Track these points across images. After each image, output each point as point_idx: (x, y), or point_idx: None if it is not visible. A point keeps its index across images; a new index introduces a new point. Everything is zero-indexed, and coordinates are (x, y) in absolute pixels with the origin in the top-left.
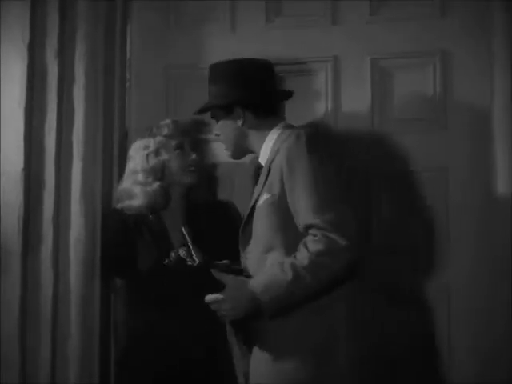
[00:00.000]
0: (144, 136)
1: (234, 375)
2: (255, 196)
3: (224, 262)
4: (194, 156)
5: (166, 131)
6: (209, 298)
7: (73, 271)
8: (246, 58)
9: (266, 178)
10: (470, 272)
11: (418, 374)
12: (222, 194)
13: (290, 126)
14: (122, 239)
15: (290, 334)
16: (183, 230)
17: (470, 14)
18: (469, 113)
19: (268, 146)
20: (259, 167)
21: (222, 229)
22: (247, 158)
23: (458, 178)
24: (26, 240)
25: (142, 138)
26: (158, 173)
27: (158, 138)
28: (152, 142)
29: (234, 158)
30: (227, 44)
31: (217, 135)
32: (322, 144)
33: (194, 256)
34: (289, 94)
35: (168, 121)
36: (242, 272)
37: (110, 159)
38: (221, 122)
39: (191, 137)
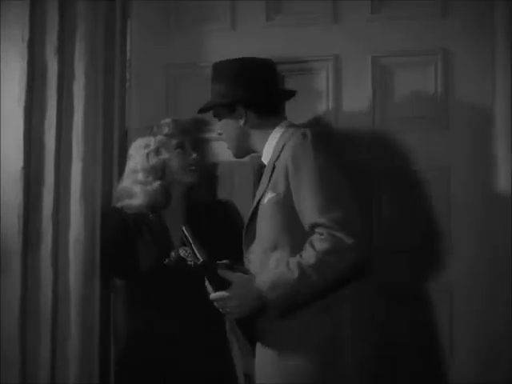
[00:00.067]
0: (144, 135)
1: (234, 375)
2: (259, 195)
3: (224, 261)
4: (194, 155)
5: (166, 130)
6: (214, 295)
7: (72, 271)
8: (248, 57)
9: (270, 177)
10: (471, 272)
11: (418, 373)
12: (222, 194)
13: (292, 125)
14: (122, 238)
15: (295, 333)
16: (184, 229)
17: (471, 13)
18: (470, 112)
19: (271, 145)
20: (261, 166)
21: (221, 228)
22: (248, 158)
23: (459, 177)
24: (25, 239)
25: (142, 137)
26: (159, 172)
27: (159, 137)
28: (152, 141)
29: (237, 157)
30: (227, 43)
31: (219, 134)
32: (327, 143)
33: (198, 254)
34: (291, 94)
35: (168, 120)
36: (244, 272)
37: (109, 158)
38: (223, 121)
39: (192, 136)
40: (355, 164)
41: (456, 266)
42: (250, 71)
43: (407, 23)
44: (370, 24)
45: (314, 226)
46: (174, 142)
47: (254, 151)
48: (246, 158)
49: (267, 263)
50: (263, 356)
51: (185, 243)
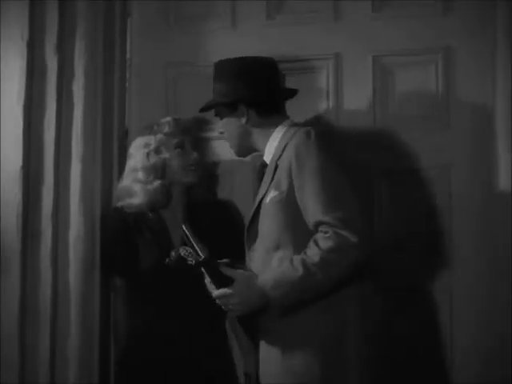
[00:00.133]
0: (144, 134)
1: (234, 375)
2: (261, 194)
3: (224, 260)
4: (194, 155)
5: (167, 129)
6: (217, 293)
7: (72, 270)
8: (250, 55)
9: (273, 176)
10: (471, 272)
11: (418, 373)
12: (222, 193)
13: (295, 124)
14: (122, 237)
15: (298, 332)
16: (184, 227)
17: (472, 12)
18: (471, 111)
19: (273, 143)
20: (263, 165)
21: (221, 228)
22: (249, 157)
23: (459, 176)
24: (25, 238)
25: (142, 136)
26: (159, 171)
27: (159, 136)
28: (153, 140)
29: (239, 156)
30: (228, 42)
31: (221, 133)
32: (330, 141)
33: (199, 252)
34: (293, 92)
35: (169, 118)
36: (244, 270)
37: (109, 157)
38: (225, 120)
39: (192, 135)
40: (356, 163)
41: (457, 265)
42: (251, 70)
43: (408, 22)
44: (370, 23)
45: (318, 224)
46: (174, 141)
47: (256, 150)
48: (247, 157)
49: (270, 262)
50: (267, 355)
51: (185, 242)
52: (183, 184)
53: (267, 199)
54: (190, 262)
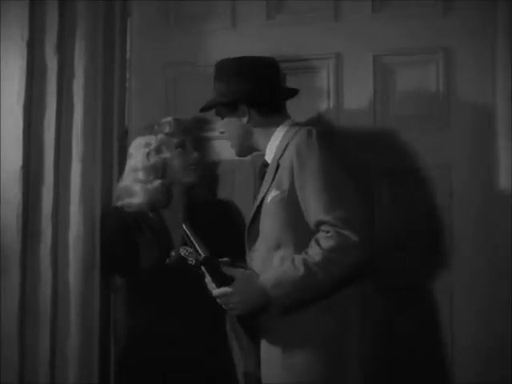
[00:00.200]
0: (145, 133)
1: (234, 375)
2: (262, 193)
3: (225, 259)
4: (195, 154)
5: (167, 129)
6: (217, 291)
7: (72, 270)
8: (251, 55)
9: (274, 175)
10: (471, 272)
11: (418, 373)
12: (223, 193)
13: (296, 124)
14: (122, 237)
15: (299, 331)
16: (184, 226)
17: (472, 12)
18: (471, 110)
19: (274, 143)
20: (264, 165)
21: (222, 228)
22: (249, 156)
23: (459, 175)
24: (25, 238)
25: (142, 136)
26: (159, 171)
27: (160, 136)
28: (153, 140)
29: (240, 156)
30: (228, 41)
31: (221, 133)
32: (332, 141)
33: (200, 250)
34: (294, 92)
35: (170, 118)
36: (245, 269)
37: (109, 157)
38: (226, 120)
39: (193, 135)
40: (356, 162)
41: (458, 265)
42: (252, 69)
43: (408, 22)
44: (371, 22)
45: (319, 223)
46: (174, 140)
47: (257, 149)
48: (248, 157)
49: (271, 261)
50: (268, 354)
51: (186, 242)
52: (184, 184)
53: (268, 198)
54: (190, 262)
